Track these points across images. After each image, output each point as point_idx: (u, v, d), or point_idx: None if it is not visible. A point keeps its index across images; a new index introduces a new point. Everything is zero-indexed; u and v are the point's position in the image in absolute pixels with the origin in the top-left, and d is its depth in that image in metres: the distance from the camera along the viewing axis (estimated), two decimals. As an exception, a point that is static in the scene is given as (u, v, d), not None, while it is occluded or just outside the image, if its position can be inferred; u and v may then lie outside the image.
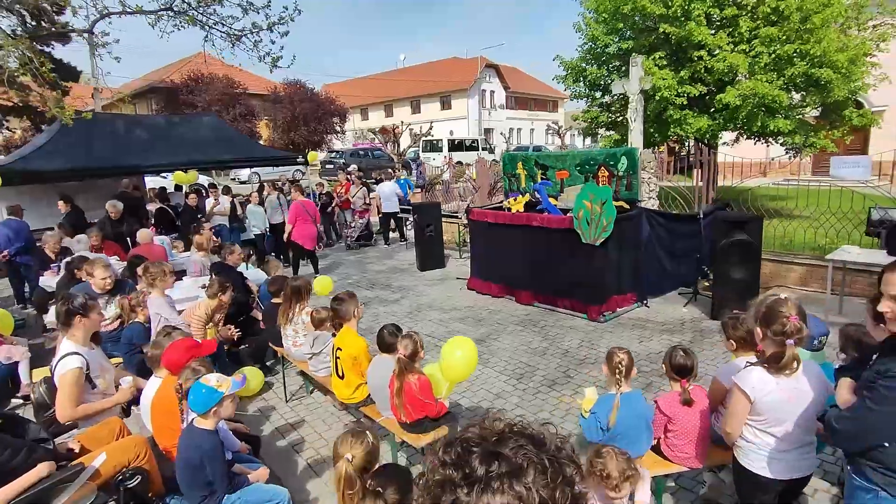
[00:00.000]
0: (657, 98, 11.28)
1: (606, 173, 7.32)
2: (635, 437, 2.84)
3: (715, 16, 11.06)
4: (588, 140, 21.05)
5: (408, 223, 12.58)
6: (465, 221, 11.13)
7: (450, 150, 24.40)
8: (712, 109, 11.50)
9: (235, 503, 2.69)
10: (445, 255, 10.39)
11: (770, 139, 11.62)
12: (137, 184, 11.69)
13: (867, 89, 10.83)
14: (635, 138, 10.21)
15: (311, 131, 30.93)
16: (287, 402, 5.00)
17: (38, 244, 7.84)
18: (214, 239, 7.93)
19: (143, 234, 7.26)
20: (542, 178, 8.22)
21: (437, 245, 10.11)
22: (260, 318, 5.70)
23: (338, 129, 33.82)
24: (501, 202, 9.31)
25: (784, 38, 10.42)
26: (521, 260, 7.65)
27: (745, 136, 12.21)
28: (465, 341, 3.60)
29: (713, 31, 10.98)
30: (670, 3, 11.15)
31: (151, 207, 10.08)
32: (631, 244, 7.09)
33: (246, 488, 2.77)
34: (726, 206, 8.97)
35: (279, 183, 11.71)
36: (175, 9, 8.51)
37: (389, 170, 14.37)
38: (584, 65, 13.24)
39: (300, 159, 12.61)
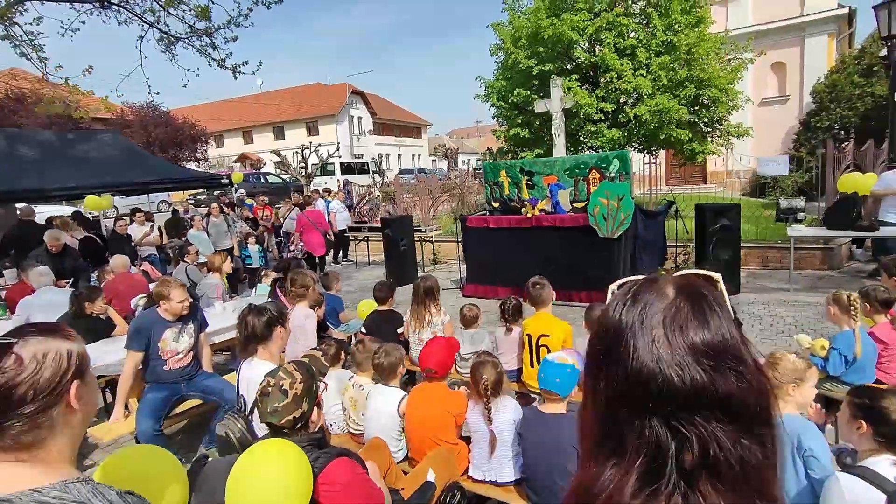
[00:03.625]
0: (581, 115, 12.57)
1: (598, 175, 7.98)
2: (870, 364, 3.27)
3: (619, 45, 12.77)
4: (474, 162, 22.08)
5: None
6: (431, 238, 11.11)
7: (342, 172, 23.80)
8: (622, 123, 13.15)
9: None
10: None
11: (668, 149, 13.64)
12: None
13: (739, 108, 13.41)
14: (559, 152, 11.23)
15: (171, 158, 27.81)
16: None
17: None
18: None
19: (118, 262, 5.92)
20: (527, 184, 8.64)
21: (411, 259, 9.90)
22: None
23: (198, 155, 31.03)
24: (484, 211, 9.52)
25: (674, 65, 12.46)
26: (531, 259, 7.87)
27: (641, 148, 14.10)
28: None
29: (620, 59, 12.65)
30: (583, 32, 12.64)
31: (70, 237, 8.19)
32: (630, 237, 7.81)
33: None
34: (671, 205, 10.37)
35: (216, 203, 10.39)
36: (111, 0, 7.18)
37: (321, 190, 13.61)
38: (504, 84, 14.18)
39: (224, 180, 11.32)
